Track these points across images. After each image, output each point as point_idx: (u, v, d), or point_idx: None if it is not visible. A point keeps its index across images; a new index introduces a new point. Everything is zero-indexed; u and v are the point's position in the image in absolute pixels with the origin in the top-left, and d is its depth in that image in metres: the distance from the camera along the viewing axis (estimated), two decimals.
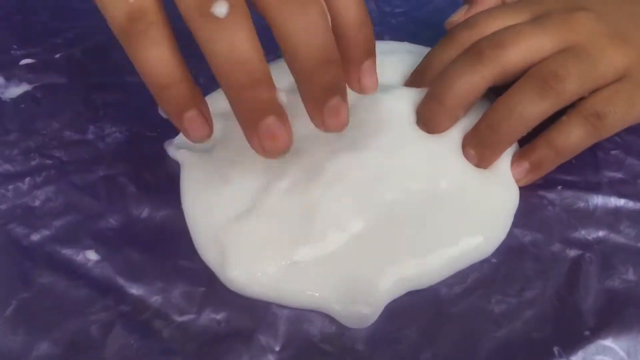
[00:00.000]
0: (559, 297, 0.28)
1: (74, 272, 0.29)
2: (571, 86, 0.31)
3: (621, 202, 0.32)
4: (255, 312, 0.28)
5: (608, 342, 0.27)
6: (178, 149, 0.33)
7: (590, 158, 0.34)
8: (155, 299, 0.28)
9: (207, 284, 0.28)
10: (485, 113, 0.32)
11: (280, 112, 0.25)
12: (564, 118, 0.32)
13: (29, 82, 0.38)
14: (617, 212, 0.32)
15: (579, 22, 0.33)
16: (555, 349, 0.27)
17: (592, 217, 0.32)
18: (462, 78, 0.32)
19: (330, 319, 0.28)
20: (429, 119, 0.32)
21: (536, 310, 0.28)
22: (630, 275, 0.30)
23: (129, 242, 0.30)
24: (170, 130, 0.34)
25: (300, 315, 0.28)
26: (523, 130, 0.31)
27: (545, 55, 0.32)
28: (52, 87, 0.38)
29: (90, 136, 0.35)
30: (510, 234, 0.31)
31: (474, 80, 0.32)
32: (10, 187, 0.32)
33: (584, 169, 0.34)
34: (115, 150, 0.34)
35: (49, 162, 0.33)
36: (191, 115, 0.26)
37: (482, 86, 0.32)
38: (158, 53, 0.24)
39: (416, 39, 0.42)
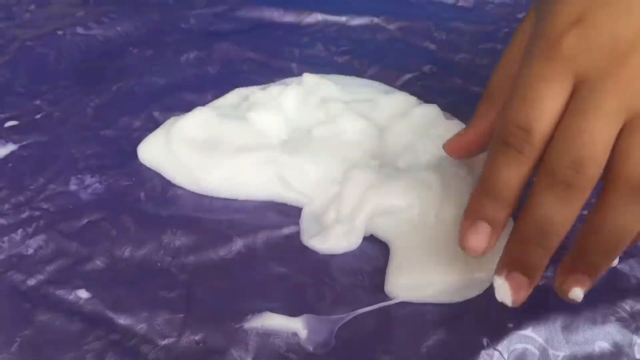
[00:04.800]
0: (485, 296, 0.33)
1: (68, 310, 0.33)
2: None
3: None
4: (228, 331, 0.32)
5: (528, 332, 0.32)
6: None
7: None
8: (141, 327, 0.32)
9: (186, 311, 0.33)
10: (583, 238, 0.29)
11: None
12: (606, 199, 0.28)
13: (14, 142, 0.42)
14: None
15: (636, 77, 0.27)
16: (484, 340, 0.31)
17: None
18: (558, 216, 0.28)
19: (294, 333, 0.32)
20: (530, 265, 0.30)
21: (467, 309, 0.33)
22: (548, 272, 0.34)
23: (114, 279, 0.34)
24: (144, 180, 0.39)
25: (268, 331, 0.32)
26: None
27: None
28: (35, 145, 0.42)
29: (72, 187, 0.39)
30: None
31: (568, 216, 0.29)
32: (5, 238, 0.36)
33: None
34: (96, 199, 0.38)
35: (37, 213, 0.38)
36: None
37: (573, 219, 0.29)
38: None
39: (361, 75, 0.48)
